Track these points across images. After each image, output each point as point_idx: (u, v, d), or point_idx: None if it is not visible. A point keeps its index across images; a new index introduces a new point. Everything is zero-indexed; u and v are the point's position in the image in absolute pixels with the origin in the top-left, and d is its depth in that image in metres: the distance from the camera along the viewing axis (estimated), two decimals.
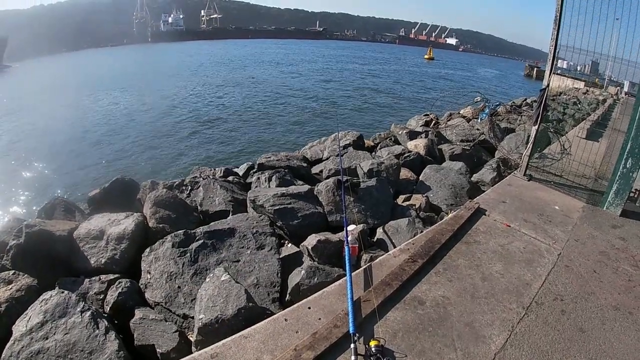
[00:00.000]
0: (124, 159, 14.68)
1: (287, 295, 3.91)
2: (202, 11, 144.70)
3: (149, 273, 4.07)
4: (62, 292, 3.41)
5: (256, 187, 6.44)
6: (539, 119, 6.30)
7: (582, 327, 3.29)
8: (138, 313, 3.60)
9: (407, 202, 6.07)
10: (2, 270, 4.07)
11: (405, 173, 7.18)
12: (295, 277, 4.00)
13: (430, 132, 9.99)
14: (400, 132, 10.40)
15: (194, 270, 4.07)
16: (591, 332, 3.25)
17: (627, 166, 5.41)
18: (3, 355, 2.98)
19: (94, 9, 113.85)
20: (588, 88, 32.21)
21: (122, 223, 4.65)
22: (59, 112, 21.81)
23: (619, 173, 5.54)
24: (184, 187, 6.24)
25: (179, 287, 3.92)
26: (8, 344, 3.04)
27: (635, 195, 6.05)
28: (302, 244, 4.58)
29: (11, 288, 3.73)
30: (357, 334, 2.79)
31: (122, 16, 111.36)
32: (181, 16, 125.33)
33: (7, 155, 15.12)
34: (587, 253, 4.53)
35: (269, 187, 6.20)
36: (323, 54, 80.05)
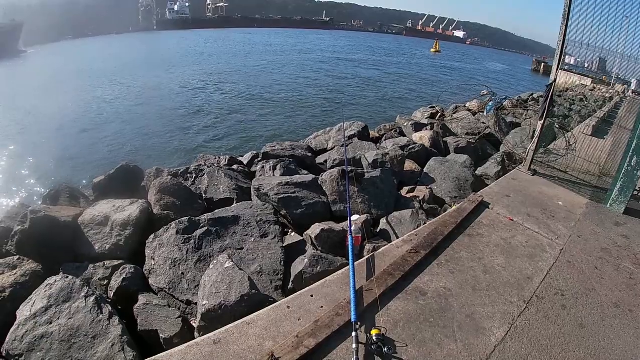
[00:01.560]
0: (129, 146, 14.68)
1: (290, 283, 3.94)
2: None
3: (153, 259, 4.10)
4: (67, 277, 3.43)
5: (261, 175, 6.45)
6: (545, 114, 6.28)
7: (582, 323, 3.31)
8: (142, 299, 3.62)
9: (411, 194, 6.06)
10: (7, 255, 4.10)
11: (409, 165, 7.18)
12: (299, 265, 4.02)
13: (435, 125, 9.98)
14: (405, 124, 10.39)
15: (198, 257, 4.10)
16: (591, 328, 3.27)
17: (632, 164, 5.40)
18: (7, 340, 3.00)
19: None
20: (595, 85, 32.03)
21: (127, 209, 4.66)
22: (69, 98, 21.93)
23: (623, 171, 5.53)
24: (188, 175, 6.26)
25: (182, 273, 3.95)
26: (12, 329, 3.07)
27: (639, 194, 6.04)
28: (305, 232, 4.59)
29: (15, 273, 3.75)
30: (358, 323, 2.82)
31: (127, 4, 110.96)
32: (187, 4, 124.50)
33: (14, 140, 15.16)
34: (590, 249, 4.53)
35: (274, 175, 6.21)
36: (329, 44, 79.59)
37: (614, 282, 3.97)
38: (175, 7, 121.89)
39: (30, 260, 3.97)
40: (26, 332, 3.03)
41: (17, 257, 3.99)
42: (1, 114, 19.03)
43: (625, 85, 30.85)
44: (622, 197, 5.67)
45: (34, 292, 3.39)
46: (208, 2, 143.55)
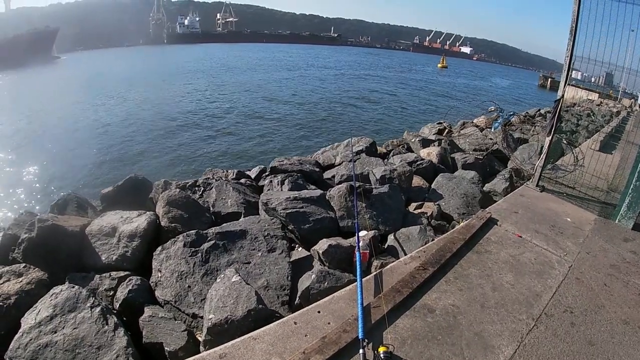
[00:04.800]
0: (138, 158, 14.81)
1: (297, 299, 3.91)
2: (218, 14, 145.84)
3: (160, 271, 4.09)
4: (73, 287, 3.44)
5: (269, 190, 6.46)
6: (553, 130, 6.27)
7: (591, 340, 3.27)
8: (147, 311, 3.62)
9: (419, 210, 6.04)
10: (13, 263, 4.12)
11: (417, 181, 7.17)
12: (306, 281, 4.00)
13: (443, 141, 9.97)
14: (413, 140, 10.39)
15: (205, 271, 4.10)
16: (600, 345, 3.23)
17: None
18: (11, 347, 3.00)
19: (110, 9, 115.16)
20: (602, 100, 31.95)
21: (134, 221, 4.68)
22: (96, 106, 22.87)
23: (631, 186, 5.49)
24: (196, 188, 6.27)
25: (189, 286, 3.94)
26: (16, 336, 3.07)
27: None
28: (313, 248, 4.57)
29: (21, 281, 3.77)
30: (366, 340, 2.80)
31: (139, 17, 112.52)
32: (197, 19, 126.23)
33: (23, 149, 15.32)
34: (598, 266, 4.49)
35: (282, 190, 6.22)
36: (337, 60, 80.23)
37: (623, 298, 3.93)
38: (186, 22, 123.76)
39: (37, 269, 3.98)
40: (30, 340, 3.04)
41: (24, 265, 4.00)
42: (33, 119, 19.53)
43: (632, 100, 30.77)
44: (630, 212, 5.62)
45: (39, 301, 3.39)
46: (218, 17, 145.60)
